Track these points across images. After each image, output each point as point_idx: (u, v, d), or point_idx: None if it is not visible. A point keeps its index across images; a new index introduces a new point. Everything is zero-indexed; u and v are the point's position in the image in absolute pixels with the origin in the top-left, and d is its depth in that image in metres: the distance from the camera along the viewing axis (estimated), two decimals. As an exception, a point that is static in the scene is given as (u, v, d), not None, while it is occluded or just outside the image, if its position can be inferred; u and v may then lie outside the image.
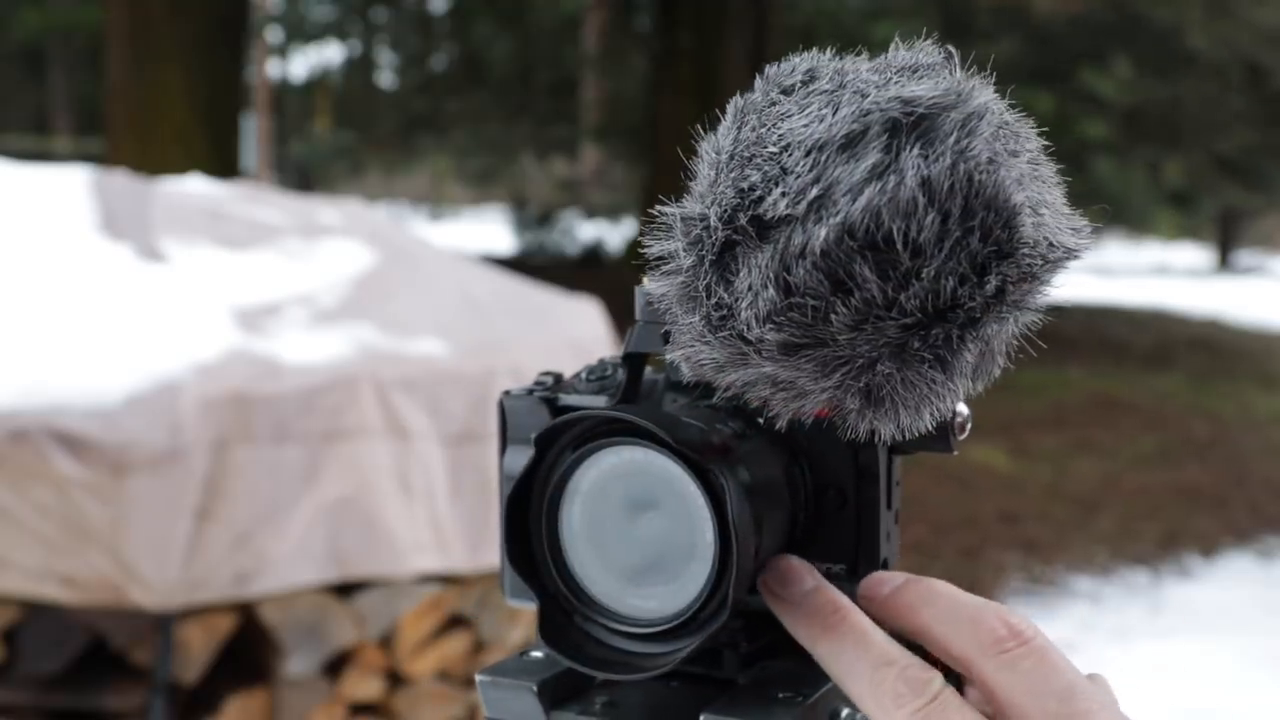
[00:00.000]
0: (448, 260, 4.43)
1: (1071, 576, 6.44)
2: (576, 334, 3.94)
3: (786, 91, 0.50)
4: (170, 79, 9.13)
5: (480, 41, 15.79)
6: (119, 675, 3.09)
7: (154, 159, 7.90)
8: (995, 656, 0.53)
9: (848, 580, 0.62)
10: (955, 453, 0.60)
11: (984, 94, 0.48)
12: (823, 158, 0.46)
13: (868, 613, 0.57)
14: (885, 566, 0.64)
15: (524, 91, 16.23)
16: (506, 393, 0.66)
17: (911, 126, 0.46)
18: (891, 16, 13.02)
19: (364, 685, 3.33)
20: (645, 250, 0.52)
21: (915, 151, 0.46)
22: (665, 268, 0.51)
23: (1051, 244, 0.48)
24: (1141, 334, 13.13)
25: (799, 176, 0.46)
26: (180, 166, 6.46)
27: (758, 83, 0.52)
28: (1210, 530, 7.25)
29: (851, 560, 0.64)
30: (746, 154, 0.48)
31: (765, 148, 0.48)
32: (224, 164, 8.66)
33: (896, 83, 0.48)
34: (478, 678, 0.63)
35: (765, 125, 0.48)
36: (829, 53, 0.53)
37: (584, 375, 0.66)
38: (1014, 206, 0.46)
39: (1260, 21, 13.62)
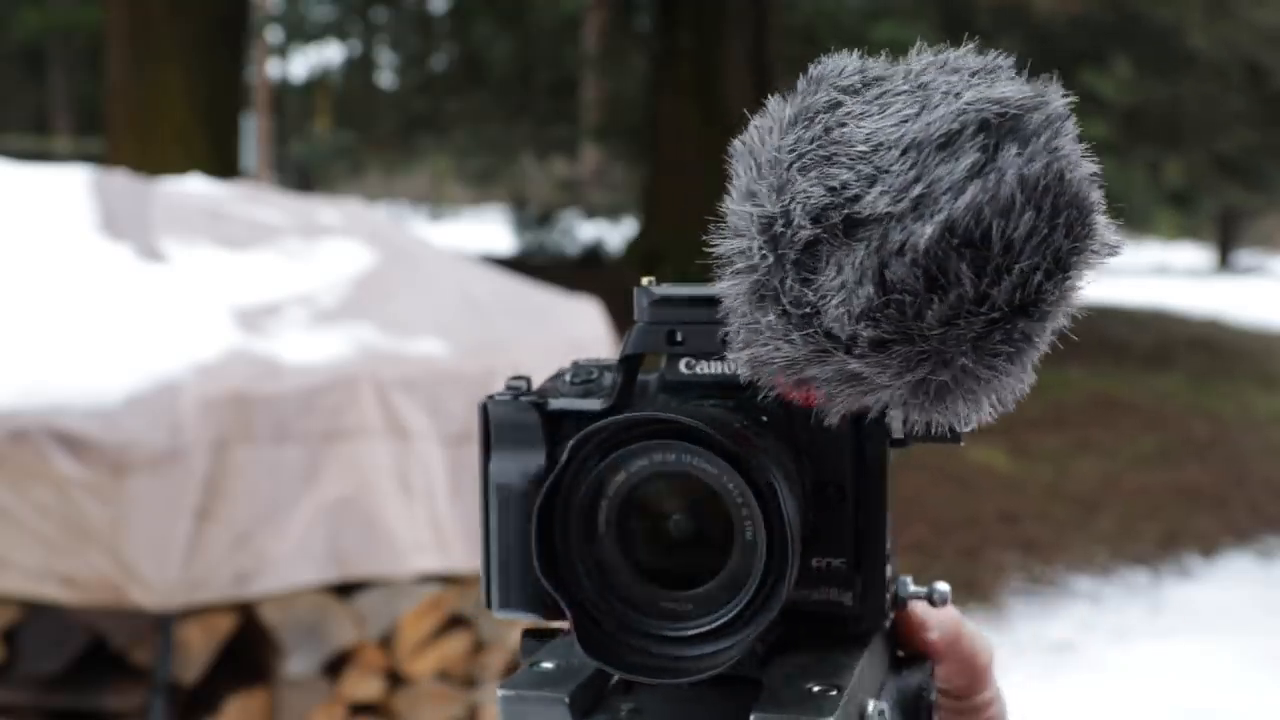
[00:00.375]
0: (448, 260, 4.43)
1: (1071, 576, 6.44)
2: (576, 334, 3.94)
3: (848, 92, 0.50)
4: (170, 79, 9.13)
5: (480, 41, 15.79)
6: (119, 675, 3.09)
7: (154, 159, 7.90)
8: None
9: (851, 573, 0.62)
10: (963, 444, 0.60)
11: (1059, 96, 0.49)
12: (921, 156, 0.47)
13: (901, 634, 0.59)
14: (889, 560, 0.64)
15: (524, 91, 16.23)
16: (490, 398, 0.64)
17: (1003, 126, 0.48)
18: (892, 16, 13.01)
19: (364, 685, 3.32)
20: (712, 250, 0.52)
21: (1013, 151, 0.47)
22: (735, 267, 0.51)
23: (1104, 240, 0.50)
24: (1141, 334, 13.13)
25: (899, 175, 0.47)
26: (180, 166, 6.46)
27: (804, 84, 0.52)
28: (1210, 530, 7.25)
29: (853, 555, 0.63)
30: (824, 153, 0.48)
31: (852, 146, 0.48)
32: (224, 164, 8.66)
33: (979, 84, 0.49)
34: (500, 693, 0.61)
35: (839, 125, 0.49)
36: (874, 55, 0.54)
37: (568, 378, 0.65)
38: (1092, 204, 0.49)
39: (1260, 21, 13.62)
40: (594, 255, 16.01)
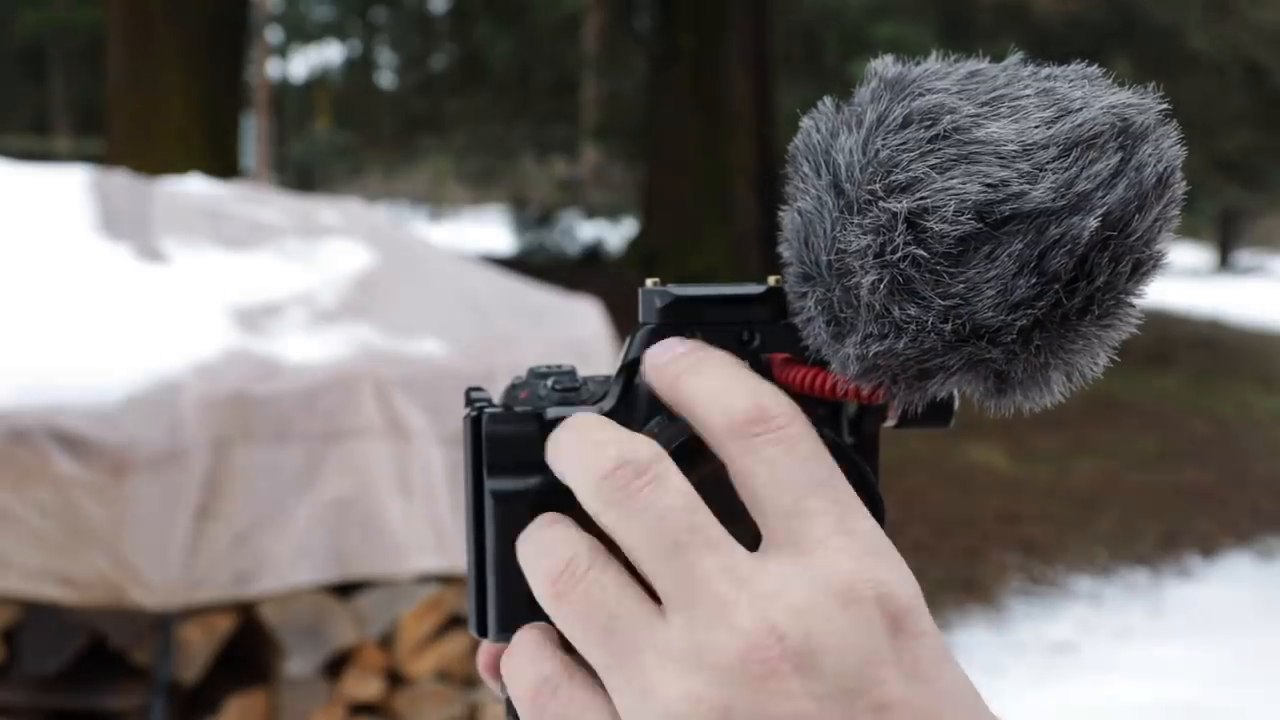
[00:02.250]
0: (448, 260, 4.43)
1: (1071, 576, 6.44)
2: (576, 334, 3.94)
3: (957, 96, 0.54)
4: (170, 79, 9.14)
5: (480, 41, 15.80)
6: (119, 675, 3.09)
7: (154, 159, 7.90)
8: (737, 440, 0.51)
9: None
10: (950, 425, 0.61)
11: (1156, 100, 0.54)
12: (1077, 155, 0.51)
13: (652, 381, 0.56)
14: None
15: (524, 91, 16.24)
16: (481, 411, 0.61)
17: (1136, 127, 0.52)
18: (892, 16, 13.02)
19: (364, 685, 3.33)
20: (844, 248, 0.53)
21: (1147, 150, 0.52)
22: (861, 262, 0.52)
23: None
24: (1141, 334, 13.09)
25: (1060, 173, 0.51)
26: (180, 166, 6.46)
27: (881, 86, 0.55)
28: (1210, 530, 7.25)
29: None
30: (958, 152, 0.51)
31: (1001, 145, 0.51)
32: (224, 164, 8.67)
33: (1099, 90, 0.53)
34: None
35: (971, 126, 0.52)
36: (876, 55, 0.57)
37: (551, 385, 0.64)
38: (1180, 197, 0.53)
39: (1260, 21, 13.62)
40: (594, 255, 16.03)
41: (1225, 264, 27.05)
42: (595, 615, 0.50)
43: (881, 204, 0.52)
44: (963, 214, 0.51)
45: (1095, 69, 0.55)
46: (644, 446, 0.52)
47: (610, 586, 0.50)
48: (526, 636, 0.56)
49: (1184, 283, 19.60)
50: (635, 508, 0.50)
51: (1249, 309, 17.23)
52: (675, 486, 0.51)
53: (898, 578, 0.48)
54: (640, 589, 0.50)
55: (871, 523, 0.50)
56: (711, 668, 0.47)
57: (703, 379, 0.54)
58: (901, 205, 0.51)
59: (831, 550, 0.48)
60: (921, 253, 0.51)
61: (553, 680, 0.52)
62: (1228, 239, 27.31)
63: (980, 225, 0.51)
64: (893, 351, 0.53)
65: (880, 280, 0.52)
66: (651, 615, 0.49)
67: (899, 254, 0.51)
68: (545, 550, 0.53)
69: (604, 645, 0.49)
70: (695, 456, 0.56)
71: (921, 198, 0.51)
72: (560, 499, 0.61)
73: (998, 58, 0.56)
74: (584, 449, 0.53)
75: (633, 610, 0.49)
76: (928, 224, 0.51)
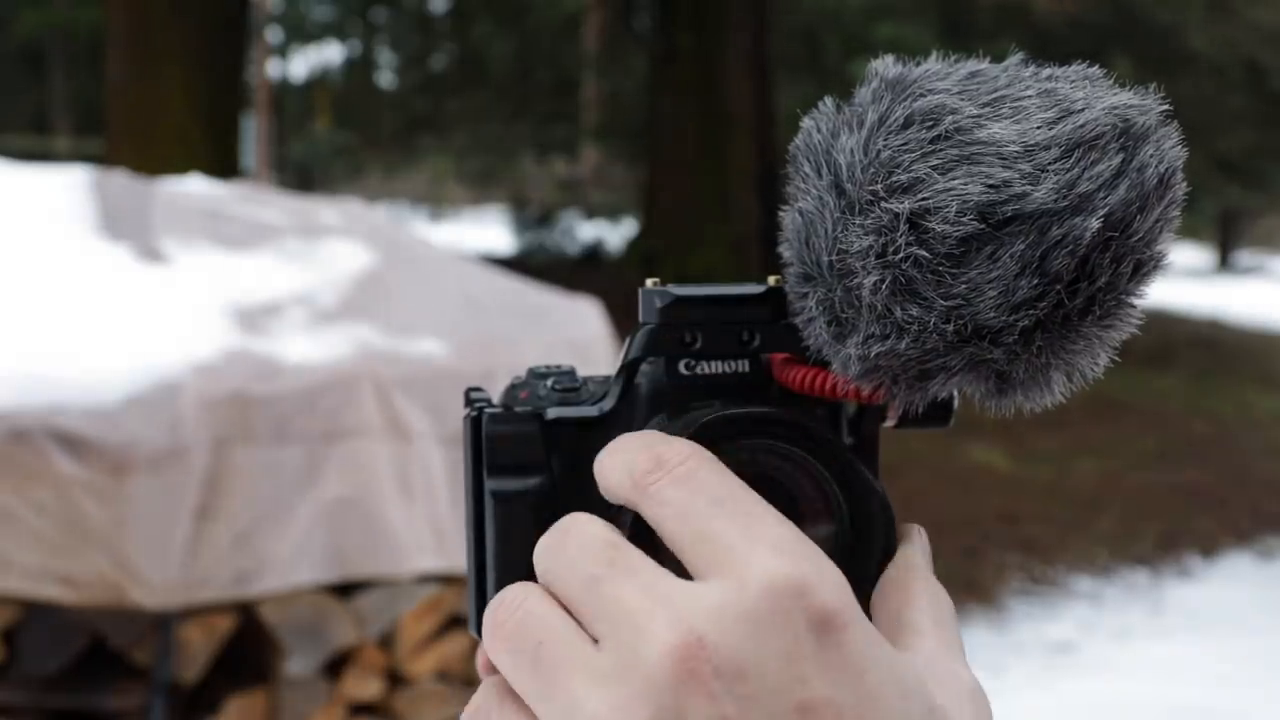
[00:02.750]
0: (448, 260, 4.43)
1: (1071, 576, 6.44)
2: (576, 334, 3.94)
3: (957, 96, 0.54)
4: (170, 79, 9.14)
5: (480, 41, 15.80)
6: (119, 675, 3.09)
7: (154, 159, 7.90)
8: (642, 493, 0.51)
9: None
10: (950, 425, 0.61)
11: (1158, 101, 0.54)
12: (1079, 156, 0.51)
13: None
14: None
15: (524, 91, 16.24)
16: (481, 412, 0.61)
17: (1137, 129, 0.52)
18: (892, 17, 13.01)
19: (364, 685, 3.33)
20: (845, 248, 0.53)
21: (1149, 151, 0.52)
22: (863, 263, 0.52)
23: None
24: (1141, 334, 13.10)
25: (1062, 174, 0.51)
26: (180, 166, 6.46)
27: (882, 86, 0.55)
28: (1210, 530, 7.25)
29: None
30: (960, 153, 0.51)
31: (1003, 146, 0.51)
32: (224, 164, 8.66)
33: (1101, 91, 0.54)
34: None
35: (973, 127, 0.52)
36: (877, 55, 0.57)
37: (551, 385, 0.64)
38: (1181, 198, 0.54)
39: (1260, 21, 13.63)
40: (594, 255, 16.03)
41: (1225, 264, 27.05)
42: (524, 644, 0.50)
43: (883, 204, 0.52)
44: (965, 215, 0.51)
45: (1096, 70, 0.55)
46: (569, 515, 0.53)
47: (540, 616, 0.50)
48: (480, 662, 0.57)
49: (1184, 283, 19.59)
50: (559, 559, 0.51)
51: (1249, 309, 17.23)
52: (588, 531, 0.51)
53: (816, 574, 0.48)
54: (573, 621, 0.50)
55: (783, 526, 0.49)
56: (636, 678, 0.47)
57: (613, 460, 0.54)
58: (903, 206, 0.51)
59: (743, 560, 0.48)
60: (923, 253, 0.51)
61: (484, 709, 0.52)
62: (1228, 239, 27.31)
63: (982, 226, 0.51)
64: (894, 352, 0.53)
65: (882, 281, 0.52)
66: (581, 642, 0.49)
67: (901, 254, 0.51)
68: (491, 604, 0.53)
69: (532, 672, 0.50)
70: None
71: (923, 198, 0.51)
72: (561, 499, 0.60)
73: (998, 58, 0.56)
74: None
75: (561, 637, 0.49)
76: (930, 224, 0.51)
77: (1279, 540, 7.19)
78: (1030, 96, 0.53)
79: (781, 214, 0.58)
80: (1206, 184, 15.18)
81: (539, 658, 0.49)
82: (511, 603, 0.52)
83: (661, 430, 0.59)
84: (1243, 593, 6.32)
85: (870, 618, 0.54)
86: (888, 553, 0.56)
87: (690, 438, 0.55)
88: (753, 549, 0.48)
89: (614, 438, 0.61)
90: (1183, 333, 13.87)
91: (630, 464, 0.52)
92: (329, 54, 19.26)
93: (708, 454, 0.52)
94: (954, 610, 0.55)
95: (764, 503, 0.51)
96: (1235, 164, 15.18)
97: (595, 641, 0.49)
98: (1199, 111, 13.80)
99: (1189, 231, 26.02)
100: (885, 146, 0.53)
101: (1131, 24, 13.55)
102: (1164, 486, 8.04)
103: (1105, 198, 0.51)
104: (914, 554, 0.56)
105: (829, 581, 0.48)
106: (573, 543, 0.51)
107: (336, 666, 3.30)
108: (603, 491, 0.55)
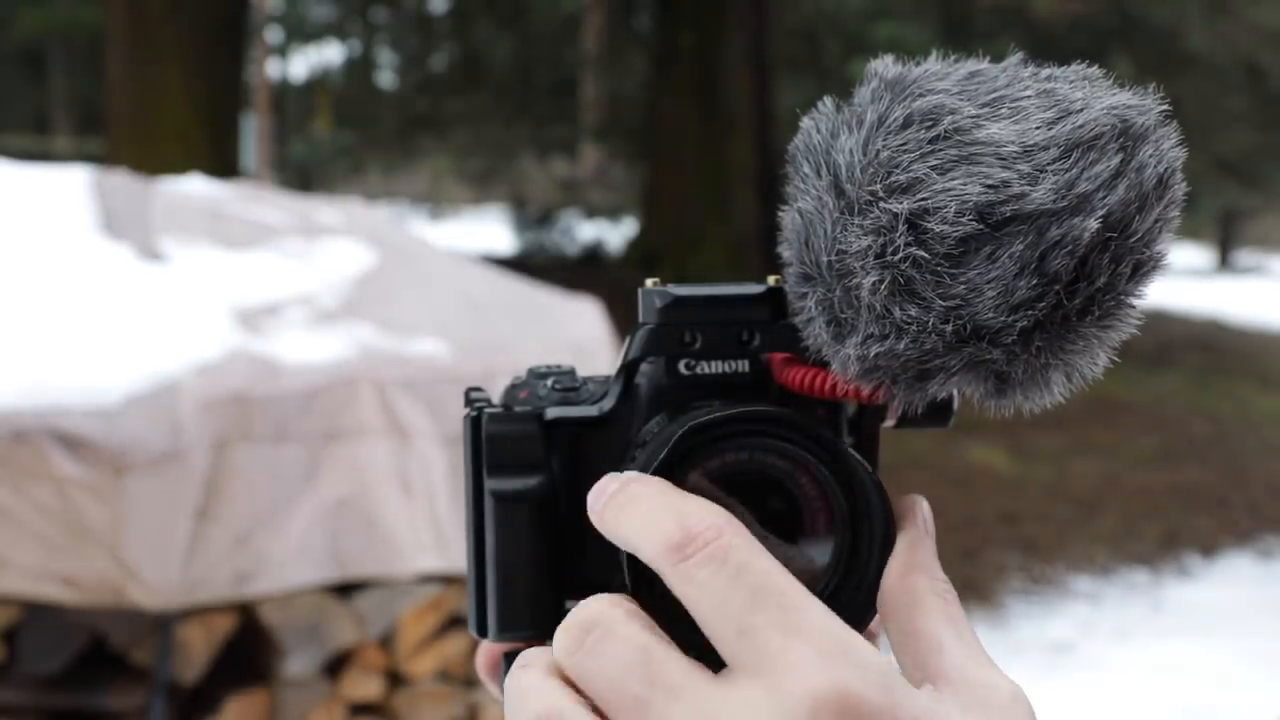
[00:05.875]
0: (448, 260, 4.43)
1: (1071, 576, 6.44)
2: (576, 334, 3.94)
3: (956, 97, 0.53)
4: (170, 79, 9.13)
5: (480, 41, 15.79)
6: (119, 675, 3.09)
7: (154, 159, 7.90)
8: (672, 568, 0.50)
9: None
10: (950, 425, 0.61)
11: (1157, 101, 0.54)
12: (1078, 157, 0.51)
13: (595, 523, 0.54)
14: None
15: (524, 91, 16.23)
16: (480, 413, 0.61)
17: (1136, 129, 0.52)
18: (892, 17, 13.01)
19: (364, 685, 3.33)
20: (844, 248, 0.53)
21: (1147, 151, 0.52)
22: (862, 263, 0.52)
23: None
24: (1141, 334, 13.09)
25: (1061, 174, 0.51)
26: (180, 166, 6.46)
27: (881, 86, 0.55)
28: (1210, 530, 7.25)
29: None
30: (959, 153, 0.51)
31: (1001, 147, 0.51)
32: (224, 164, 8.66)
33: (1100, 92, 0.54)
34: None
35: (971, 128, 0.52)
36: (876, 56, 0.57)
37: (551, 385, 0.63)
38: (1180, 198, 0.54)
39: (1260, 21, 13.62)
40: (594, 255, 16.01)
41: (1225, 264, 27.03)
42: None
43: (882, 205, 0.52)
44: (964, 215, 0.51)
45: (1095, 70, 0.55)
46: (594, 603, 0.51)
47: None
48: (479, 663, 0.57)
49: (1184, 283, 19.58)
50: (591, 667, 0.50)
51: (1249, 309, 17.22)
52: (624, 637, 0.50)
53: (860, 677, 0.47)
54: None
55: (820, 614, 0.49)
56: None
57: (629, 515, 0.52)
58: (902, 206, 0.51)
59: (787, 665, 0.47)
60: (922, 254, 0.51)
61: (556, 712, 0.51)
62: (1228, 239, 27.29)
63: (981, 226, 0.51)
64: (893, 352, 0.53)
65: (881, 281, 0.52)
66: None
67: (900, 255, 0.51)
68: (516, 703, 0.52)
69: None
70: (695, 456, 0.56)
71: (922, 198, 0.51)
72: (561, 499, 0.60)
73: (998, 58, 0.56)
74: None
75: None
76: (929, 225, 0.51)
77: (1279, 540, 7.19)
78: (1029, 97, 0.53)
79: (781, 214, 0.58)
80: (1206, 184, 15.18)
81: None
82: (550, 718, 0.50)
83: (660, 431, 0.59)
84: (1243, 593, 6.32)
85: (885, 627, 0.55)
86: (887, 545, 0.56)
87: (689, 436, 0.55)
88: (795, 653, 0.47)
89: (614, 438, 0.60)
90: (1183, 333, 13.86)
91: (656, 536, 0.51)
92: (329, 54, 19.24)
93: (737, 525, 0.51)
94: (958, 598, 0.54)
95: (800, 587, 0.49)
96: (1235, 164, 15.17)
97: None
98: (1199, 111, 13.80)
99: (1189, 231, 26.02)
100: (884, 147, 0.53)
101: (1131, 24, 13.55)
102: (1164, 486, 8.04)
103: (1104, 198, 0.51)
104: (914, 549, 0.55)
105: (873, 681, 0.47)
106: (607, 653, 0.50)
107: (336, 666, 3.30)
108: (612, 540, 0.53)
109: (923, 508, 0.57)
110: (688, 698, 0.48)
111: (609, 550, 0.54)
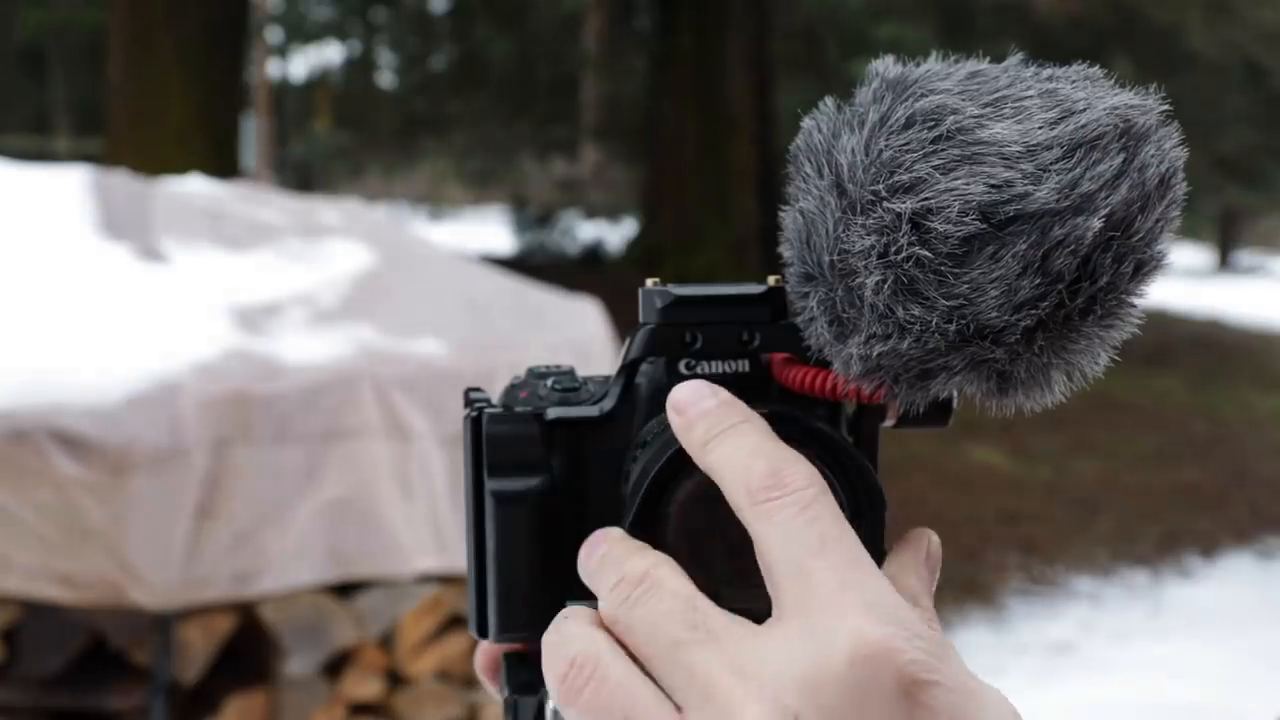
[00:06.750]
0: (448, 260, 4.43)
1: (1071, 576, 6.44)
2: (576, 334, 3.94)
3: (958, 97, 0.54)
4: (170, 79, 9.13)
5: (480, 41, 15.78)
6: (119, 675, 3.09)
7: (154, 159, 7.90)
8: (753, 505, 0.52)
9: None
10: (949, 425, 0.61)
11: (1158, 101, 0.54)
12: (1080, 156, 0.51)
13: (676, 428, 0.56)
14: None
15: (524, 91, 16.23)
16: (480, 414, 0.61)
17: (1138, 129, 0.53)
18: (892, 16, 13.01)
19: (364, 685, 3.33)
20: (847, 248, 0.53)
21: (1150, 151, 0.52)
22: (865, 263, 0.52)
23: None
24: (1141, 334, 13.11)
25: (1064, 173, 0.51)
26: (180, 166, 6.46)
27: (883, 86, 0.55)
28: (1210, 530, 7.25)
29: None
30: (962, 153, 0.52)
31: (1005, 147, 0.51)
32: (224, 164, 8.66)
33: (1102, 92, 0.54)
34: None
35: (974, 128, 0.52)
36: (877, 56, 0.57)
37: (551, 385, 0.63)
38: (1181, 198, 0.54)
39: (1260, 21, 13.63)
40: (594, 255, 16.01)
41: (1225, 264, 27.03)
42: (609, 713, 0.50)
43: (885, 204, 0.52)
44: (967, 214, 0.51)
45: (1096, 70, 0.55)
46: (639, 559, 0.53)
47: (624, 687, 0.50)
48: (478, 664, 0.59)
49: (1184, 283, 19.58)
50: (636, 615, 0.51)
51: (1249, 309, 17.22)
52: (670, 589, 0.51)
53: (905, 634, 0.48)
54: (653, 686, 0.50)
55: (877, 577, 0.50)
56: None
57: (728, 446, 0.54)
58: (905, 206, 0.51)
59: (834, 612, 0.48)
60: (925, 253, 0.51)
61: (594, 660, 0.52)
62: (1228, 239, 27.29)
63: (984, 226, 0.51)
64: (896, 352, 0.53)
65: (884, 281, 0.52)
66: (664, 702, 0.49)
67: (903, 254, 0.51)
68: (555, 649, 0.53)
69: None
70: (672, 484, 0.56)
71: (925, 198, 0.51)
72: (562, 500, 0.60)
73: (998, 58, 0.56)
74: (593, 564, 0.55)
75: (647, 711, 0.49)
76: (932, 224, 0.51)
77: (1279, 540, 7.19)
78: (1031, 97, 0.53)
79: (782, 214, 0.58)
80: (1206, 184, 15.18)
81: None
82: (584, 664, 0.51)
83: (661, 431, 0.59)
84: (1243, 593, 6.32)
85: None
86: (878, 558, 0.55)
87: (660, 476, 0.55)
88: (845, 604, 0.48)
89: (615, 438, 0.60)
90: (1183, 333, 13.86)
91: (748, 472, 0.52)
92: (329, 54, 19.25)
93: (824, 484, 0.52)
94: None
95: (864, 552, 0.51)
96: (1235, 164, 15.17)
97: (678, 709, 0.49)
98: (1199, 111, 13.80)
99: (1189, 231, 26.02)
100: (887, 146, 0.53)
101: (1131, 24, 13.55)
102: (1164, 486, 8.04)
103: (1107, 198, 0.51)
104: (900, 574, 0.56)
105: (918, 639, 0.48)
106: (653, 602, 0.51)
107: (336, 666, 3.30)
108: (699, 461, 0.54)
109: (928, 541, 0.58)
110: (725, 641, 0.49)
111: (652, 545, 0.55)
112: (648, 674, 0.51)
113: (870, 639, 0.47)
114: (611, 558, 0.54)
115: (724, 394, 0.56)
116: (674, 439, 0.56)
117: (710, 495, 0.55)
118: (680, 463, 0.55)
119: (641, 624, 0.51)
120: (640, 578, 0.52)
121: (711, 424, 0.54)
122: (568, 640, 0.52)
